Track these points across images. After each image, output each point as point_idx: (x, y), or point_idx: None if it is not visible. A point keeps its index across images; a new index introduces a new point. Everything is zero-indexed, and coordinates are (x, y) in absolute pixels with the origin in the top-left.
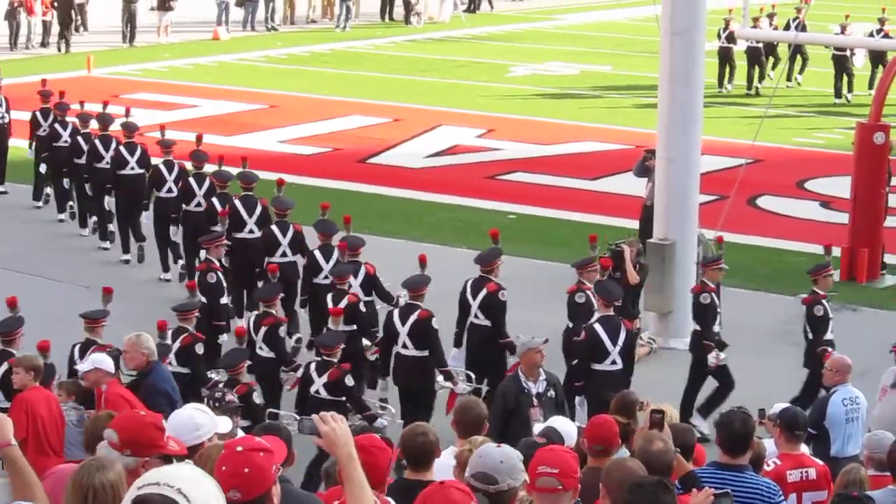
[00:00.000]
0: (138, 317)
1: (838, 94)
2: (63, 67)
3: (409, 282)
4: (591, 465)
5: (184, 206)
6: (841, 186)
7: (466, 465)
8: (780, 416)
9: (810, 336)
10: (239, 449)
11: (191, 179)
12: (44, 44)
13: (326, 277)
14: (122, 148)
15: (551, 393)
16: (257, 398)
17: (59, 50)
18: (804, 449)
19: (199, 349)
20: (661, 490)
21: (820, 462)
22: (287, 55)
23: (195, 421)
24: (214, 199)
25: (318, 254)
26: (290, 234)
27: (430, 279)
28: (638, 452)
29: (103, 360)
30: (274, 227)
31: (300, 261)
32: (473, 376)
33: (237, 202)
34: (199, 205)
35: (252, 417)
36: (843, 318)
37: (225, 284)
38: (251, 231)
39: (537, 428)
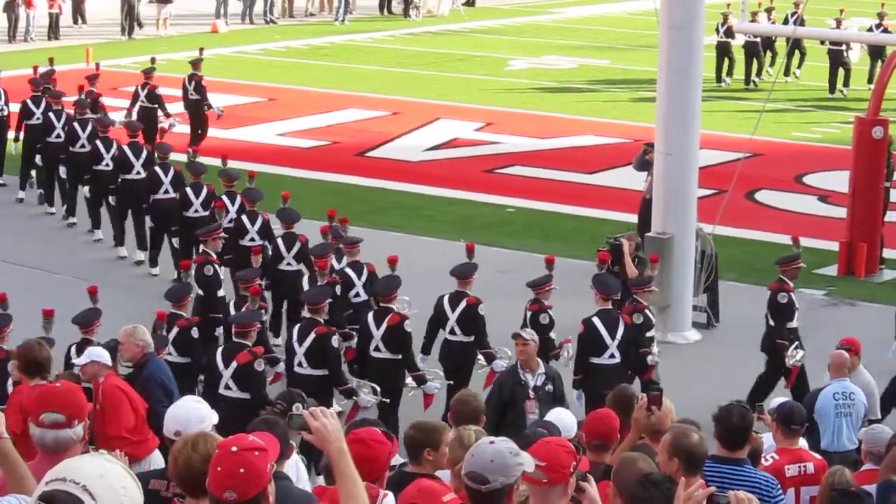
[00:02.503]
0: (136, 308)
1: (833, 88)
2: (62, 60)
3: (380, 286)
4: (590, 459)
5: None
6: (839, 181)
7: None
8: (777, 411)
9: None
10: (234, 449)
11: (75, 124)
12: (51, 36)
13: (196, 211)
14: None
15: (549, 387)
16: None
17: (123, 34)
18: (802, 443)
19: (195, 333)
20: (673, 485)
21: (818, 456)
22: (285, 48)
23: (200, 413)
24: (98, 142)
25: (188, 190)
26: (171, 174)
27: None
28: (676, 446)
29: (100, 354)
30: (157, 168)
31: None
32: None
33: (125, 147)
34: (83, 146)
35: None
36: (841, 312)
37: (222, 277)
38: (138, 173)
39: (531, 420)
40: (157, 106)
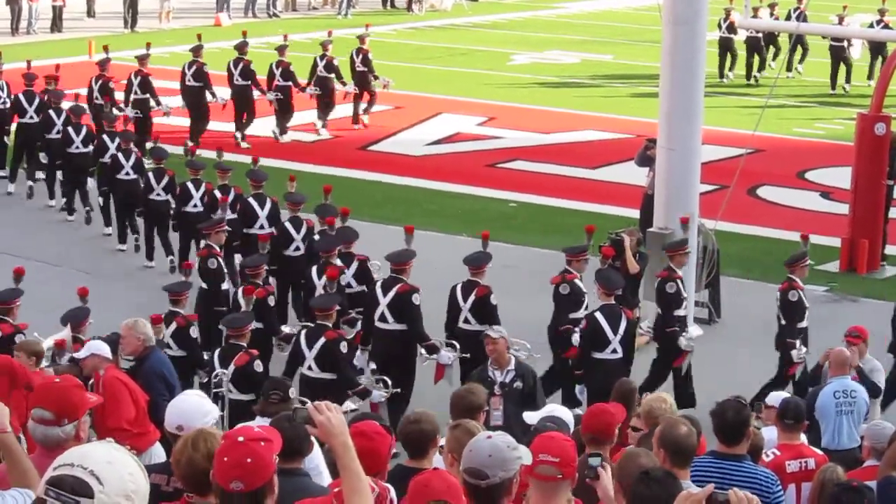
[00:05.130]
0: (136, 300)
1: (834, 84)
2: (64, 53)
3: (392, 256)
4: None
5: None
6: (841, 177)
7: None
8: (777, 407)
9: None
10: (240, 439)
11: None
12: (54, 29)
13: (196, 206)
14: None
15: (518, 384)
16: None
17: (126, 26)
18: (804, 439)
19: (194, 332)
20: (674, 481)
21: (819, 452)
22: (288, 42)
23: (204, 407)
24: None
25: (288, 225)
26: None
27: (415, 253)
28: (662, 437)
29: (100, 347)
30: (149, 175)
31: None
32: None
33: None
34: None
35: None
36: (843, 309)
37: (226, 270)
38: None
39: (495, 417)
40: (202, 84)
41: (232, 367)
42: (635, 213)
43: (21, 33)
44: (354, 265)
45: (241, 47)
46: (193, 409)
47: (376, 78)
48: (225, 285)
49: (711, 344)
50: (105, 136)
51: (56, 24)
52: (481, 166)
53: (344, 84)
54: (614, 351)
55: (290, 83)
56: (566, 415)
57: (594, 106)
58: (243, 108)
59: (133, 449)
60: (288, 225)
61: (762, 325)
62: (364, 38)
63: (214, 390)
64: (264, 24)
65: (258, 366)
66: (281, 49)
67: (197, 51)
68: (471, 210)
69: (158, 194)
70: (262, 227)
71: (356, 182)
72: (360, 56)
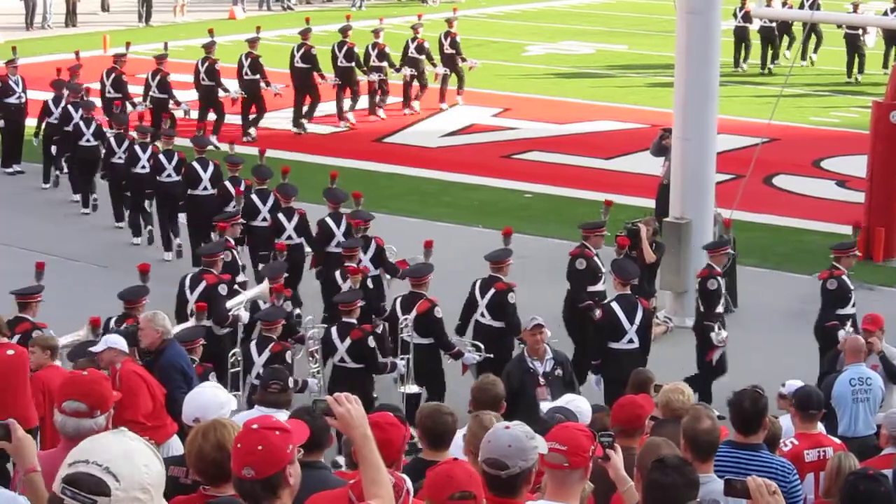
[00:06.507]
0: (152, 294)
1: (850, 73)
2: (79, 47)
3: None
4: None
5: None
6: (857, 165)
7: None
8: (794, 396)
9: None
10: (255, 427)
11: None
12: (68, 23)
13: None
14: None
15: (559, 371)
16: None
17: (140, 20)
18: (821, 428)
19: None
20: (689, 468)
21: (837, 441)
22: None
23: (219, 399)
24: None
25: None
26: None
27: (433, 268)
28: (685, 430)
29: (116, 340)
30: (111, 139)
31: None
32: (482, 346)
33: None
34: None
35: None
36: (859, 296)
37: (241, 263)
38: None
39: (545, 406)
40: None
41: (414, 313)
42: (651, 203)
43: (36, 28)
44: (295, 218)
45: (305, 34)
46: (210, 401)
47: (464, 60)
48: (241, 277)
49: (728, 333)
50: (70, 107)
51: (70, 18)
52: (496, 157)
53: (434, 66)
54: (630, 341)
55: (352, 64)
56: (584, 405)
57: (609, 96)
58: (304, 93)
59: (152, 441)
60: (228, 185)
61: (779, 314)
62: (452, 21)
63: (400, 335)
64: (278, 16)
65: (438, 312)
66: (344, 30)
67: (253, 42)
68: (486, 201)
69: (120, 157)
70: (205, 188)
71: (371, 174)
72: (449, 39)
